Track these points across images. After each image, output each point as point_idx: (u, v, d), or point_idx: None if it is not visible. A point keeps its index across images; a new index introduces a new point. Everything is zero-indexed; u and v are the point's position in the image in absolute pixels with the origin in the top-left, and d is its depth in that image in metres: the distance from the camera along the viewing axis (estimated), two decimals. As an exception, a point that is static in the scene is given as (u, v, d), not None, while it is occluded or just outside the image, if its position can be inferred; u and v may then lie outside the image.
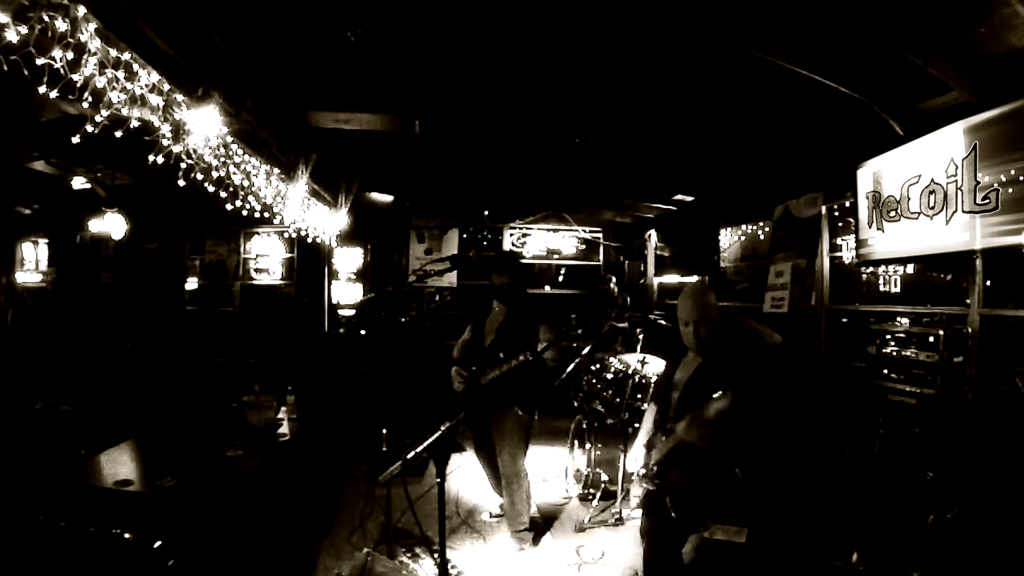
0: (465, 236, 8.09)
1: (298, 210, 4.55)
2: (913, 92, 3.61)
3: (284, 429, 3.69)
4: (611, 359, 4.59)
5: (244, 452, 3.15)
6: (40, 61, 1.80)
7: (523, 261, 3.75)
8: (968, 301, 3.69)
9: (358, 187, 6.16)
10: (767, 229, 5.99)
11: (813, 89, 3.59)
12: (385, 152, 5.45)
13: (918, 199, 3.80)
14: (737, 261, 6.64)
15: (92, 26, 1.93)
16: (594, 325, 5.08)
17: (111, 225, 6.03)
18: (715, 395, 2.20)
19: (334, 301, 7.79)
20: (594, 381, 4.49)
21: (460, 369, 3.57)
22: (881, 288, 4.76)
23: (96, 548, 2.30)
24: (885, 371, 3.96)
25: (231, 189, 3.37)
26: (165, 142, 2.55)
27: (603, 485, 4.15)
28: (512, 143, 5.22)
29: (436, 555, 2.89)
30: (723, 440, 2.30)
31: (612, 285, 7.08)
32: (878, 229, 4.20)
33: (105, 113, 2.14)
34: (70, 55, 1.87)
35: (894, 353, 3.92)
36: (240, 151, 3.36)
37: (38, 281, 8.16)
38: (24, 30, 1.71)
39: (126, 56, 2.15)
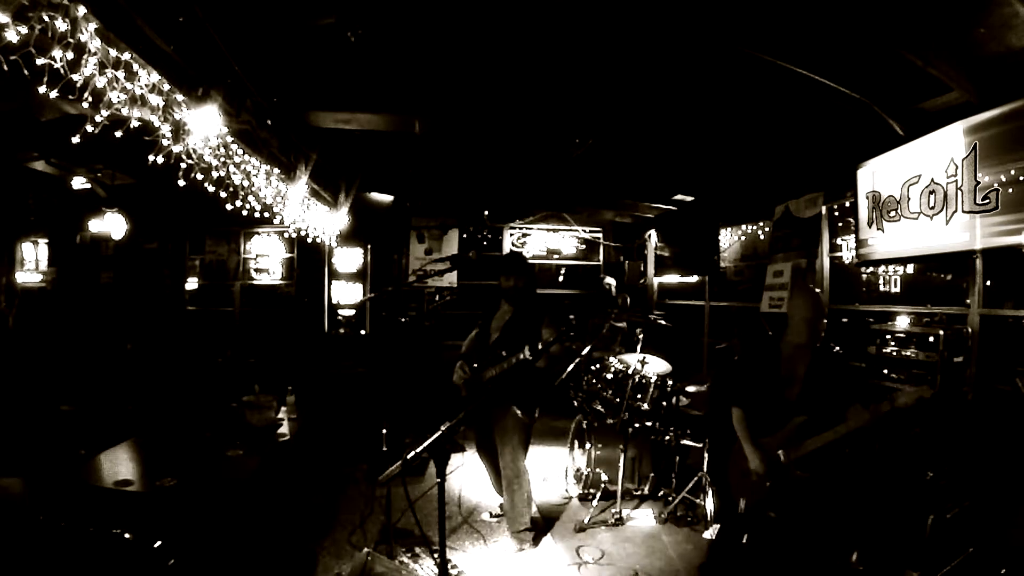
0: (465, 236, 8.09)
1: (298, 210, 4.55)
2: (913, 92, 3.61)
3: (284, 429, 3.69)
4: (611, 359, 4.59)
5: (244, 452, 3.15)
6: (40, 61, 1.80)
7: (530, 262, 3.76)
8: (968, 301, 3.69)
9: (358, 187, 6.16)
10: (767, 229, 5.99)
11: (813, 89, 3.59)
12: (385, 152, 5.45)
13: (918, 199, 3.80)
14: (737, 261, 6.64)
15: (92, 26, 1.93)
16: (594, 326, 5.08)
17: (111, 225, 6.03)
18: (910, 386, 2.46)
19: (334, 301, 7.79)
20: (594, 381, 4.49)
21: (464, 363, 3.58)
22: (881, 288, 4.76)
23: (96, 548, 2.30)
24: (885, 371, 3.96)
25: (231, 189, 3.37)
26: (165, 142, 2.55)
27: (603, 485, 4.14)
28: (512, 143, 5.22)
29: (436, 555, 2.89)
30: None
31: (609, 285, 7.09)
32: (878, 229, 4.20)
33: (105, 113, 2.14)
34: (70, 55, 1.87)
35: (894, 353, 3.92)
36: (240, 151, 3.36)
37: (38, 281, 8.15)
38: (24, 30, 1.71)
39: (126, 56, 2.15)
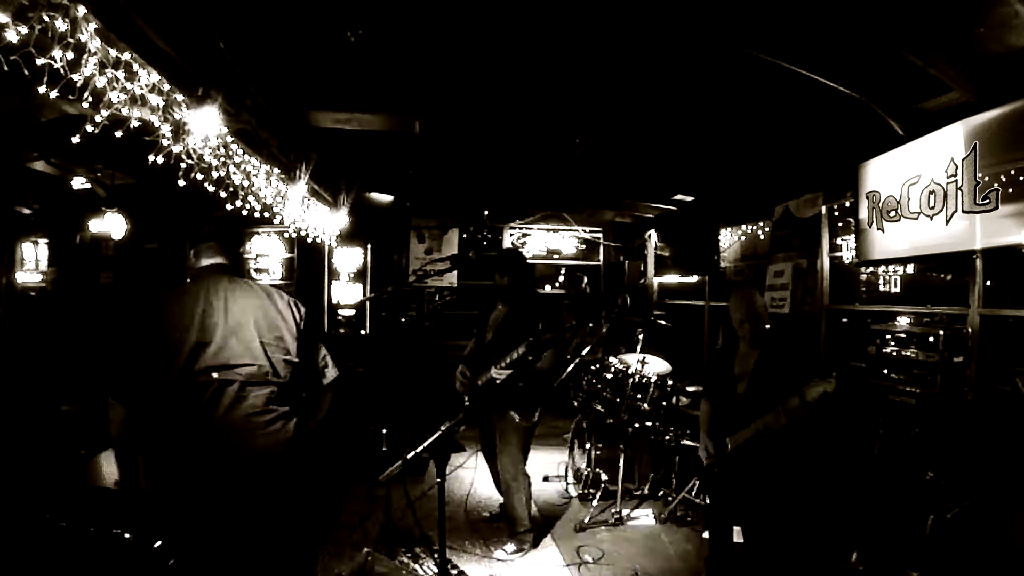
0: (465, 236, 8.09)
1: (298, 210, 4.55)
2: (913, 92, 3.61)
3: (284, 429, 3.68)
4: (611, 359, 4.60)
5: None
6: (40, 61, 1.79)
7: (527, 259, 3.80)
8: (968, 301, 3.69)
9: (358, 187, 6.16)
10: (767, 229, 5.99)
11: (813, 89, 3.59)
12: (385, 152, 5.45)
13: (918, 199, 3.80)
14: (737, 261, 6.64)
15: (92, 26, 1.93)
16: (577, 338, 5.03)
17: (111, 225, 6.01)
18: (817, 378, 2.46)
19: (334, 301, 7.79)
20: (594, 381, 4.49)
21: (464, 369, 3.57)
22: (881, 288, 4.76)
23: (96, 548, 2.30)
24: (885, 371, 3.96)
25: (231, 189, 3.37)
26: (165, 142, 2.54)
27: (603, 485, 4.15)
28: (512, 143, 5.22)
29: (436, 555, 2.89)
30: (807, 421, 2.60)
31: (586, 285, 7.17)
32: (878, 229, 4.20)
33: (105, 113, 2.14)
34: (70, 55, 1.87)
35: (894, 353, 3.92)
36: (240, 151, 3.36)
37: (38, 281, 8.16)
38: (24, 30, 1.70)
39: (126, 56, 2.14)
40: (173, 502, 1.96)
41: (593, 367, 4.57)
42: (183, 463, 1.95)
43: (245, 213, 3.72)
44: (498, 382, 3.24)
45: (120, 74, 2.12)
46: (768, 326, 2.91)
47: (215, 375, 1.95)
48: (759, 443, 2.67)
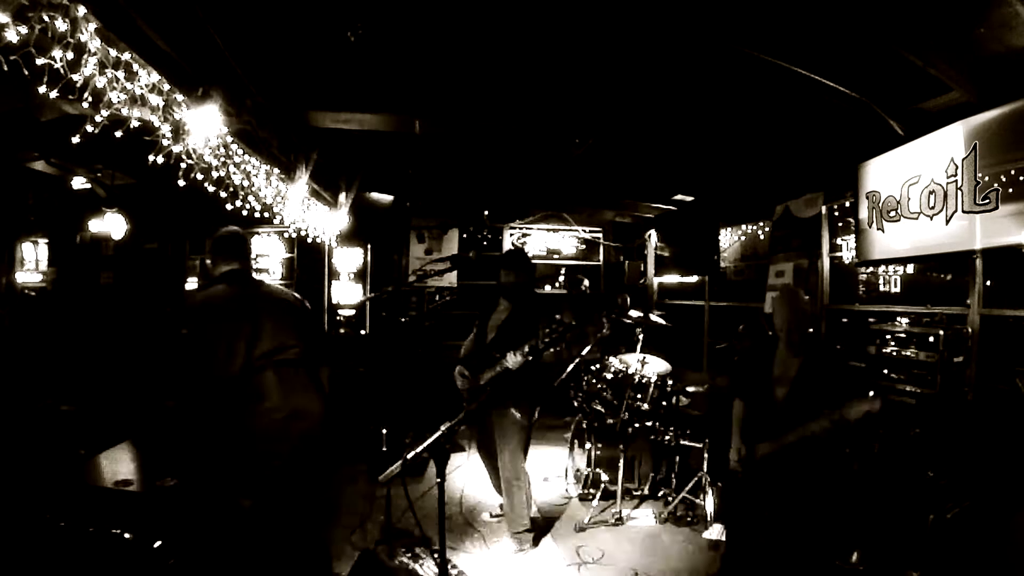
0: (465, 236, 8.08)
1: (298, 210, 4.55)
2: (913, 92, 3.61)
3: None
4: (611, 359, 4.59)
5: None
6: (40, 61, 1.80)
7: (531, 259, 3.82)
8: (968, 301, 3.69)
9: (358, 187, 6.16)
10: (767, 229, 5.99)
11: (813, 89, 3.59)
12: (385, 152, 5.45)
13: (918, 199, 3.80)
14: (737, 261, 6.64)
15: (92, 26, 1.93)
16: (579, 333, 5.04)
17: (111, 225, 6.01)
18: (860, 395, 2.42)
19: (334, 301, 7.78)
20: (594, 381, 4.49)
21: (463, 368, 3.57)
22: (881, 288, 4.76)
23: (96, 548, 2.30)
24: (885, 371, 3.96)
25: (231, 189, 3.37)
26: (165, 142, 2.54)
27: (603, 485, 4.14)
28: (512, 143, 5.22)
29: (436, 555, 2.89)
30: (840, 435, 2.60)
31: (586, 286, 7.19)
32: (878, 229, 4.20)
33: (105, 113, 2.13)
34: (70, 55, 1.87)
35: (894, 353, 3.92)
36: (240, 151, 3.36)
37: (38, 281, 8.15)
38: (24, 30, 1.70)
39: (126, 56, 2.15)
40: (243, 473, 2.39)
41: (593, 367, 4.57)
42: (257, 436, 2.39)
43: (245, 213, 3.72)
44: (512, 368, 3.24)
45: (120, 74, 2.12)
46: (811, 329, 2.82)
47: (265, 360, 2.36)
48: (789, 450, 2.61)
